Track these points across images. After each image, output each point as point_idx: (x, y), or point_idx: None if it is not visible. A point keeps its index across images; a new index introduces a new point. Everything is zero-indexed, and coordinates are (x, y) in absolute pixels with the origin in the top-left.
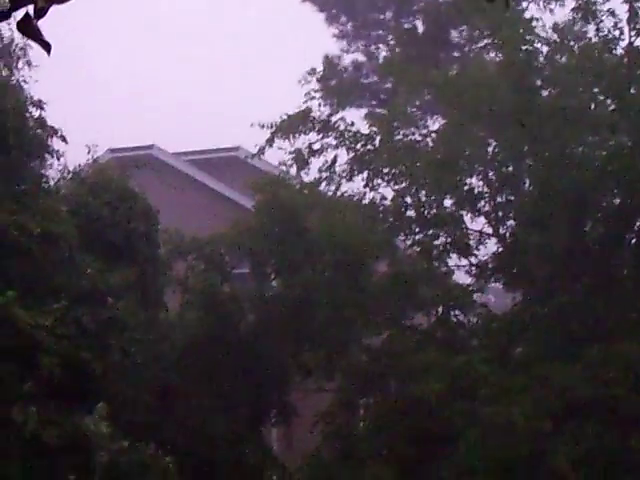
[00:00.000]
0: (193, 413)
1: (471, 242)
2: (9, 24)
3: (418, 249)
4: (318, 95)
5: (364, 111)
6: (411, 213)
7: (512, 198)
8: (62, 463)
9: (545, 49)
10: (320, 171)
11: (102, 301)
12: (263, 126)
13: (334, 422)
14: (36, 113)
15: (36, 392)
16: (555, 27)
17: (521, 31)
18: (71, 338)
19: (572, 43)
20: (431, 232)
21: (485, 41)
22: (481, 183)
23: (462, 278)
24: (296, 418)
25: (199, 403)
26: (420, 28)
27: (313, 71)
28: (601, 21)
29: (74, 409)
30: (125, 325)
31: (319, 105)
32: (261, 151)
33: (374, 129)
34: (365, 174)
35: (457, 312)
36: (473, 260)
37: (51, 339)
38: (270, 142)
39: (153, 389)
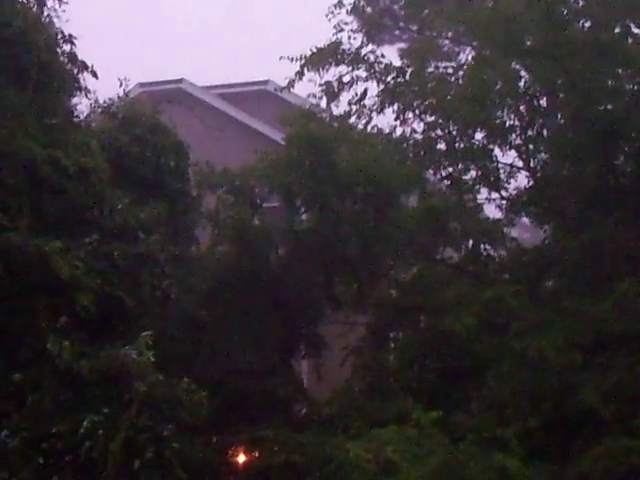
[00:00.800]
0: (224, 347)
1: (501, 176)
2: None
3: (448, 183)
4: (348, 27)
5: (395, 47)
6: (441, 147)
7: (543, 131)
8: (96, 395)
9: None
10: (350, 104)
11: (133, 236)
12: (292, 59)
13: (364, 355)
14: (67, 48)
15: (70, 326)
16: None
17: None
18: (102, 273)
19: None
20: (461, 166)
21: None
22: (512, 117)
23: (492, 212)
24: (326, 351)
25: (230, 337)
26: None
27: (341, 2)
28: None
29: (107, 343)
30: (156, 260)
31: (349, 38)
32: (290, 84)
33: (405, 61)
34: (395, 107)
35: (487, 246)
36: (503, 194)
37: (85, 276)
38: (300, 75)
39: (184, 323)
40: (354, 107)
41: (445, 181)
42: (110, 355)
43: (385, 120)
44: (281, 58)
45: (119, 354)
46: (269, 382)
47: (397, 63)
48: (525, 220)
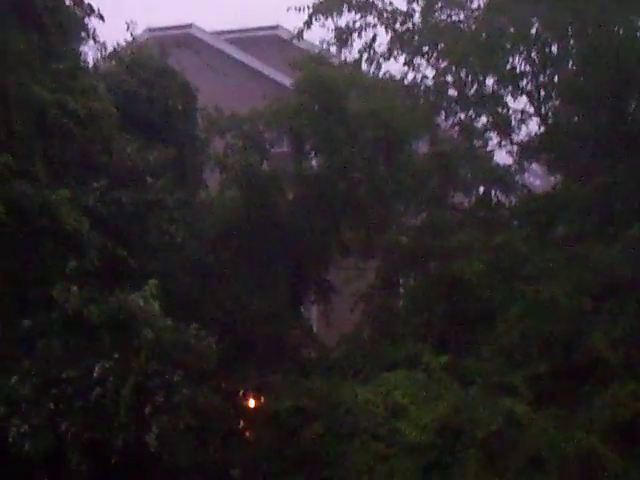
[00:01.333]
0: (233, 292)
1: (512, 122)
2: None
3: (459, 129)
4: None
5: None
6: (452, 93)
7: (554, 78)
8: (104, 341)
9: None
10: (360, 52)
11: (141, 181)
12: (300, 9)
13: (374, 301)
14: None
15: (78, 272)
16: None
17: None
18: (110, 218)
19: None
20: (472, 112)
21: None
22: (523, 63)
23: (503, 159)
24: (336, 297)
25: (239, 282)
26: None
27: None
28: None
29: (115, 289)
30: (164, 205)
31: None
32: (300, 34)
33: (413, 6)
34: (405, 53)
35: (498, 192)
36: (514, 140)
37: (91, 226)
38: (308, 25)
39: (192, 269)
40: (364, 55)
41: (456, 127)
42: (120, 301)
43: (396, 67)
44: (288, 9)
45: (127, 301)
46: (277, 327)
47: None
48: (536, 167)
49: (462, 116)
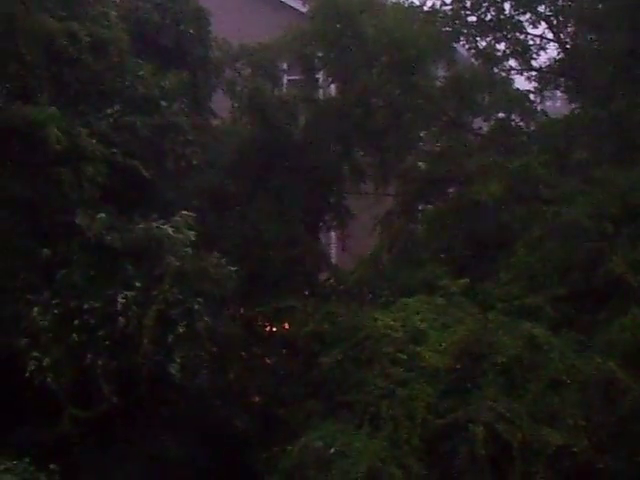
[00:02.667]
0: (248, 218)
1: (531, 48)
2: None
3: (478, 55)
4: None
5: None
6: (471, 19)
7: (573, 2)
8: (126, 270)
9: None
10: None
11: (155, 105)
12: None
13: (392, 226)
14: None
15: (97, 199)
16: None
17: None
18: (124, 144)
19: None
20: (491, 38)
21: None
22: None
23: (522, 85)
24: (354, 223)
25: (255, 209)
26: None
27: None
28: None
29: (134, 216)
30: (179, 128)
31: None
32: None
33: None
34: None
35: (517, 117)
36: (533, 66)
37: (100, 147)
38: None
39: (208, 195)
40: None
41: (475, 54)
42: (146, 229)
43: None
44: None
45: (152, 229)
46: (294, 253)
47: None
48: (555, 92)
49: (481, 42)
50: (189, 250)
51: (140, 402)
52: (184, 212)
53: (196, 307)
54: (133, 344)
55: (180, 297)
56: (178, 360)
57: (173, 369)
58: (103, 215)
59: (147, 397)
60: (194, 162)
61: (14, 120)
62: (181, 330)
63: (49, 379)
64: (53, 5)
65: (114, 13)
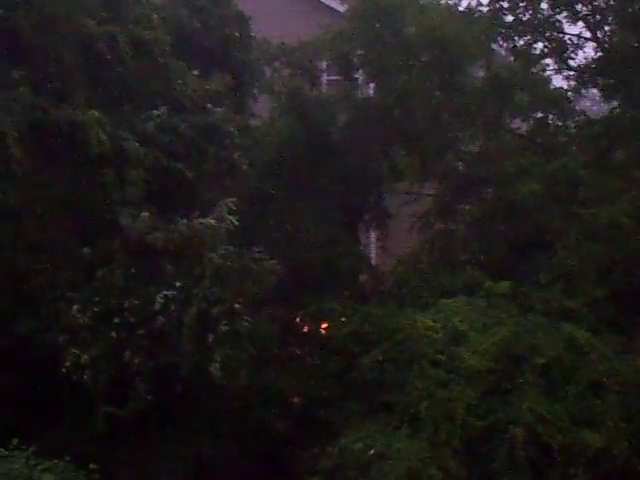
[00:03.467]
0: (288, 218)
1: (569, 47)
2: None
3: (515, 55)
4: None
5: None
6: (508, 19)
7: (610, 1)
8: (167, 269)
9: None
10: None
11: (200, 108)
12: None
13: (431, 227)
14: None
15: (139, 199)
16: None
17: None
18: (168, 145)
19: None
20: (528, 37)
21: None
22: None
23: (560, 84)
24: (393, 224)
25: (294, 208)
26: None
27: None
28: None
29: (176, 216)
30: (224, 132)
31: None
32: None
33: None
34: None
35: (555, 117)
36: (571, 65)
37: (143, 150)
38: None
39: (249, 196)
40: None
41: (512, 53)
42: (189, 226)
43: None
44: None
45: (195, 225)
46: (333, 253)
47: None
48: (593, 92)
49: (518, 42)
50: (230, 248)
51: (177, 401)
52: (227, 199)
53: (237, 306)
54: (172, 343)
55: (221, 296)
56: (219, 359)
57: (213, 368)
58: (146, 214)
59: (185, 396)
60: (235, 163)
61: (56, 121)
62: (222, 329)
63: (86, 376)
64: (94, 7)
65: (156, 15)
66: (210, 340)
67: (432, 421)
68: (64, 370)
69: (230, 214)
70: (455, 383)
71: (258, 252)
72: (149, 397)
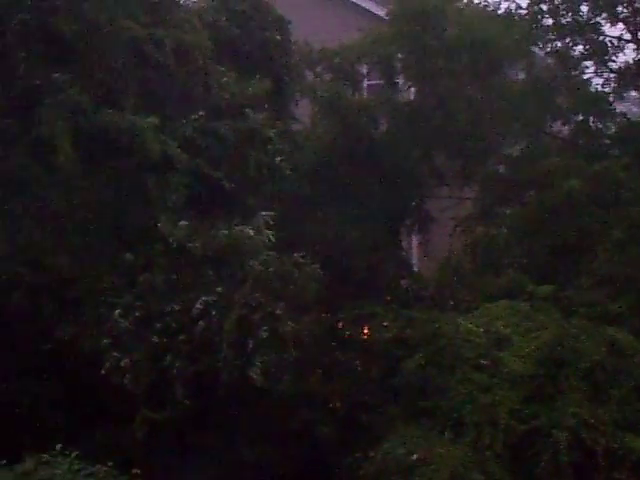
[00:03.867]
0: (330, 224)
1: (609, 49)
2: None
3: (555, 57)
4: None
5: None
6: (547, 21)
7: None
8: (207, 275)
9: None
10: None
11: (240, 112)
12: None
13: (473, 231)
14: None
15: (180, 205)
16: None
17: None
18: (208, 149)
19: None
20: (568, 40)
21: None
22: None
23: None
24: (435, 229)
25: (335, 213)
26: None
27: None
28: None
29: (217, 222)
30: (264, 136)
31: None
32: None
33: None
34: None
35: (596, 120)
36: (611, 67)
37: (185, 156)
38: None
39: (290, 201)
40: None
41: (552, 56)
42: (228, 234)
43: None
44: None
45: (235, 232)
46: (375, 258)
47: None
48: (634, 94)
49: (558, 44)
50: (272, 254)
51: (219, 406)
52: (264, 213)
53: (278, 311)
54: (212, 348)
55: (262, 301)
56: (259, 364)
57: (253, 373)
58: (185, 223)
59: (226, 401)
60: (276, 168)
61: (101, 125)
62: (263, 335)
63: (126, 380)
64: (138, 11)
65: (197, 20)
66: (251, 345)
67: (475, 426)
68: (104, 373)
69: (268, 229)
70: (498, 388)
71: (300, 257)
72: (187, 402)
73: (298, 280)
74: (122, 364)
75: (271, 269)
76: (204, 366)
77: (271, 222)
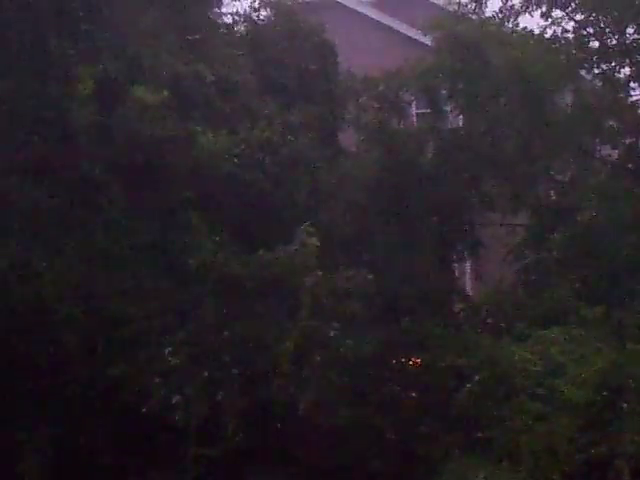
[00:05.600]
0: (379, 252)
1: None
2: None
3: (602, 81)
4: None
5: None
6: (593, 44)
7: None
8: (259, 304)
9: None
10: (501, 10)
11: (284, 141)
12: None
13: (524, 256)
14: None
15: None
16: None
17: None
18: (253, 182)
19: None
20: (614, 63)
21: None
22: None
23: None
24: (488, 253)
25: (385, 241)
26: None
27: None
28: None
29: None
30: (307, 163)
31: None
32: None
33: None
34: (542, 6)
35: None
36: None
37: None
38: None
39: (338, 229)
40: (500, 10)
41: (598, 79)
42: (271, 259)
43: (534, 22)
44: None
45: (282, 258)
46: (427, 285)
47: None
48: None
49: (604, 67)
50: (321, 273)
51: (269, 440)
52: (304, 224)
53: (332, 334)
54: (265, 380)
55: (315, 326)
56: (311, 396)
57: (305, 406)
58: (233, 250)
59: (276, 435)
60: (322, 196)
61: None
62: (317, 362)
63: (178, 417)
64: (178, 48)
65: (240, 52)
66: (304, 374)
67: (532, 455)
68: (147, 411)
69: (309, 234)
70: (554, 416)
71: (350, 272)
72: (240, 436)
73: (352, 295)
74: (173, 401)
75: (322, 289)
76: (255, 399)
77: (311, 230)
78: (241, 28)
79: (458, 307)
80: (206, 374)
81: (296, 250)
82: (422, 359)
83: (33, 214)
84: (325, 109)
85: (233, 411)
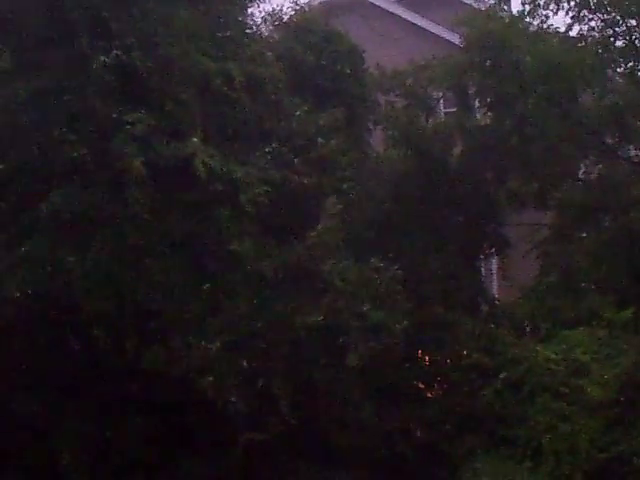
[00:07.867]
0: (406, 249)
1: None
2: None
3: (629, 80)
4: None
5: None
6: (620, 43)
7: None
8: (283, 295)
9: None
10: (523, 4)
11: (312, 143)
12: None
13: (551, 256)
14: None
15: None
16: None
17: None
18: (282, 181)
19: None
20: None
21: None
22: None
23: None
24: (514, 251)
25: (412, 241)
26: None
27: None
28: None
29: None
30: (336, 164)
31: None
32: None
33: None
34: (571, 4)
35: None
36: None
37: (259, 188)
38: None
39: (364, 228)
40: (527, 7)
41: (626, 78)
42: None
43: (560, 21)
44: None
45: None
46: (453, 284)
47: None
48: None
49: (630, 66)
50: (347, 262)
51: (312, 428)
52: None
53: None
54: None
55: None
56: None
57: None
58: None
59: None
60: (351, 197)
61: (171, 159)
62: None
63: (234, 399)
64: (209, 46)
65: (270, 53)
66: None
67: (554, 455)
68: (206, 390)
69: (334, 214)
70: (578, 416)
71: (378, 262)
72: (293, 421)
73: (380, 285)
74: (218, 389)
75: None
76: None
77: (339, 205)
78: (270, 27)
79: (484, 306)
80: (244, 362)
81: (321, 232)
82: (448, 357)
83: (63, 209)
84: (356, 111)
85: (283, 394)
